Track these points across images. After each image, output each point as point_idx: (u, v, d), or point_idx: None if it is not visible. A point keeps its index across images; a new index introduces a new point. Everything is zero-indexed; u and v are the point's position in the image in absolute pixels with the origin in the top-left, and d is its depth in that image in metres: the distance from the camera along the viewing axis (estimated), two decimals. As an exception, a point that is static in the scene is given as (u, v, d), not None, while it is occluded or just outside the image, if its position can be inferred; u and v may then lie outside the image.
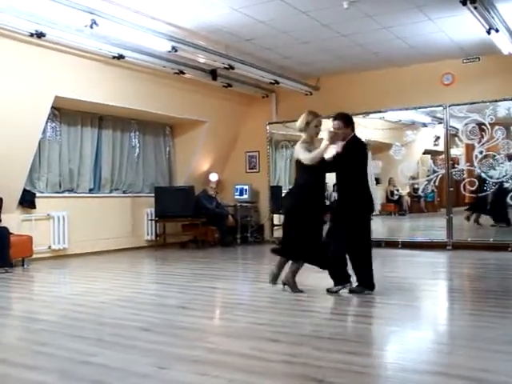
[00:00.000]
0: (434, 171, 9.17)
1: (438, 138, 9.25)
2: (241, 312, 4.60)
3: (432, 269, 7.20)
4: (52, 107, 8.10)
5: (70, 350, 3.48)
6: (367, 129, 9.45)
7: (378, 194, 11.16)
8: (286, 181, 10.78)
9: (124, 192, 9.97)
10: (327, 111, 9.62)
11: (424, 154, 9.98)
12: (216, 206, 10.43)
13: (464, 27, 7.42)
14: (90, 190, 9.38)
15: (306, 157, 5.00)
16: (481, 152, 8.65)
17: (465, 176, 8.80)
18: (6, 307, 5.19)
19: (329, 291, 5.08)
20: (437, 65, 9.20)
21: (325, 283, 5.17)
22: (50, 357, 3.39)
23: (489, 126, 8.53)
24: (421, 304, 5.01)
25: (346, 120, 5.11)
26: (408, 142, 9.35)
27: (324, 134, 5.07)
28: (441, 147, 9.12)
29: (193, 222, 9.99)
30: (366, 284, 5.06)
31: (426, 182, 9.29)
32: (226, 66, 8.33)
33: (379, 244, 9.16)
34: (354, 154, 5.02)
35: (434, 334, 3.90)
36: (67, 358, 3.33)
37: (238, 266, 8.16)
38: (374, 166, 10.56)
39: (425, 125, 9.59)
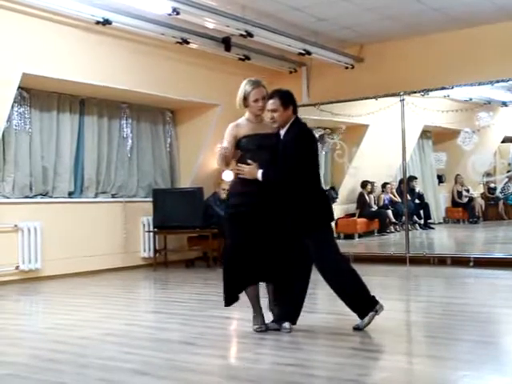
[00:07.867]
0: (517, 165, 9.09)
1: (522, 121, 9.17)
2: (264, 349, 4.55)
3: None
4: (19, 88, 8.15)
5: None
6: (427, 111, 9.38)
7: (440, 196, 11.08)
8: (322, 180, 10.72)
9: (113, 196, 10.02)
10: (373, 89, 9.74)
11: (503, 142, 9.88)
12: (231, 213, 10.40)
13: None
14: (70, 194, 9.43)
15: None
16: None
17: (560, 171, 8.71)
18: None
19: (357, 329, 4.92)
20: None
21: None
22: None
23: None
24: (502, 340, 4.90)
25: (284, 98, 4.97)
26: (482, 128, 9.27)
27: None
28: (526, 133, 9.04)
29: (201, 234, 9.99)
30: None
31: (506, 180, 9.19)
32: (243, 33, 8.34)
33: (443, 261, 9.04)
34: (302, 145, 4.90)
35: (520, 380, 3.82)
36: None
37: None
38: (436, 160, 10.50)
39: (505, 104, 9.48)
